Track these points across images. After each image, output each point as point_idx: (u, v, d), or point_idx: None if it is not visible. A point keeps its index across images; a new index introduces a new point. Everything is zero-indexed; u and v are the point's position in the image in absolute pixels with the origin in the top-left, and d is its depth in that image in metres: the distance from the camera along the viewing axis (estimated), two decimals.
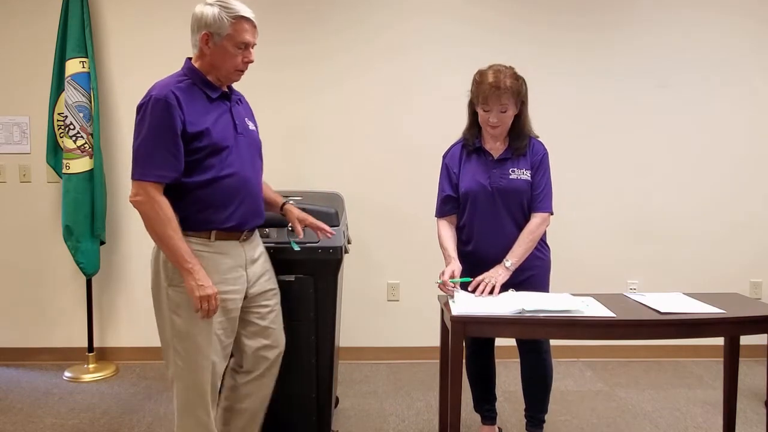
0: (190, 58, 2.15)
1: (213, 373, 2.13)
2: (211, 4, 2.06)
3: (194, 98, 2.07)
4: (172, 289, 2.08)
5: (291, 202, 2.43)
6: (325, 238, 2.45)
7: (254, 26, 2.11)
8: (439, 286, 2.43)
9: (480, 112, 2.47)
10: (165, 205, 2.00)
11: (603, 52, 3.85)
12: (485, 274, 2.37)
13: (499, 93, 2.38)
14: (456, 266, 2.43)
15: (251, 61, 2.13)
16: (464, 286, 2.39)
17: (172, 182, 2.02)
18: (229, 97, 2.19)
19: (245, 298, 2.21)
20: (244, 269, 2.19)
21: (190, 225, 2.07)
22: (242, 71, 2.14)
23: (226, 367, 2.24)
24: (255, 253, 2.26)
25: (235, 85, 2.25)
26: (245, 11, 2.09)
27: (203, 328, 2.08)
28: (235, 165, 2.11)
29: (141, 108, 2.03)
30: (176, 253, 2.00)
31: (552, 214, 2.54)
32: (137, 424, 3.00)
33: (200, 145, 2.03)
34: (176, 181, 2.02)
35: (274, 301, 2.32)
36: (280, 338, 2.34)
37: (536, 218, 2.49)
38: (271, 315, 2.29)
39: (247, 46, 2.10)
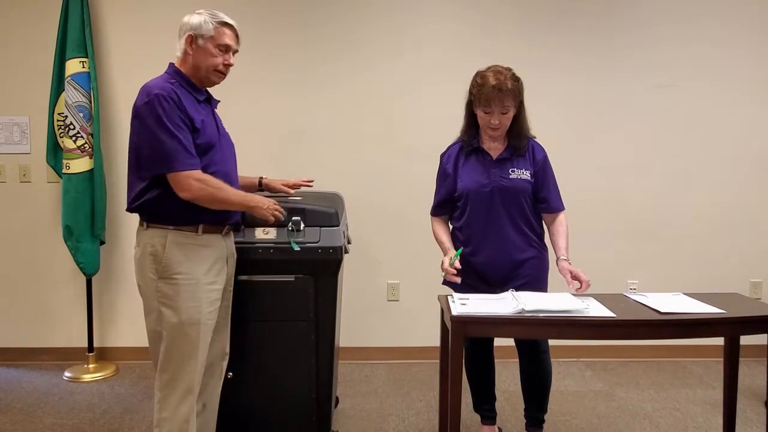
0: (173, 63, 2.24)
1: (200, 364, 2.18)
2: (199, 13, 2.19)
3: (186, 98, 2.16)
4: (163, 282, 2.14)
5: (263, 176, 2.66)
6: (306, 186, 2.73)
7: (236, 34, 2.24)
8: (445, 279, 2.51)
9: (480, 113, 2.47)
10: (207, 178, 2.11)
11: (603, 52, 3.85)
12: (575, 273, 2.39)
13: (501, 95, 2.40)
14: (451, 252, 2.50)
15: (231, 65, 2.24)
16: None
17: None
18: (210, 100, 2.31)
19: None
20: (225, 263, 2.29)
21: (179, 219, 2.14)
22: (222, 73, 2.24)
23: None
24: (233, 249, 2.38)
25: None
26: (229, 19, 2.23)
27: (193, 319, 2.14)
28: (220, 163, 2.23)
29: (147, 106, 2.07)
30: (239, 204, 2.20)
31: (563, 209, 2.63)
32: (137, 424, 3.00)
33: (196, 142, 2.13)
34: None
35: (229, 301, 2.38)
36: (227, 339, 2.39)
37: (559, 215, 2.58)
38: (222, 312, 2.32)
39: (227, 50, 2.22)
